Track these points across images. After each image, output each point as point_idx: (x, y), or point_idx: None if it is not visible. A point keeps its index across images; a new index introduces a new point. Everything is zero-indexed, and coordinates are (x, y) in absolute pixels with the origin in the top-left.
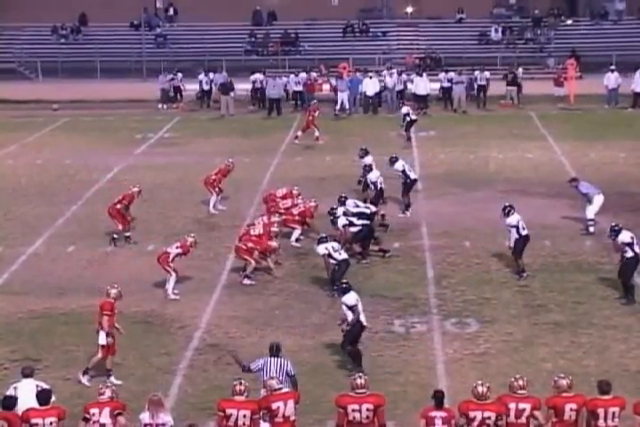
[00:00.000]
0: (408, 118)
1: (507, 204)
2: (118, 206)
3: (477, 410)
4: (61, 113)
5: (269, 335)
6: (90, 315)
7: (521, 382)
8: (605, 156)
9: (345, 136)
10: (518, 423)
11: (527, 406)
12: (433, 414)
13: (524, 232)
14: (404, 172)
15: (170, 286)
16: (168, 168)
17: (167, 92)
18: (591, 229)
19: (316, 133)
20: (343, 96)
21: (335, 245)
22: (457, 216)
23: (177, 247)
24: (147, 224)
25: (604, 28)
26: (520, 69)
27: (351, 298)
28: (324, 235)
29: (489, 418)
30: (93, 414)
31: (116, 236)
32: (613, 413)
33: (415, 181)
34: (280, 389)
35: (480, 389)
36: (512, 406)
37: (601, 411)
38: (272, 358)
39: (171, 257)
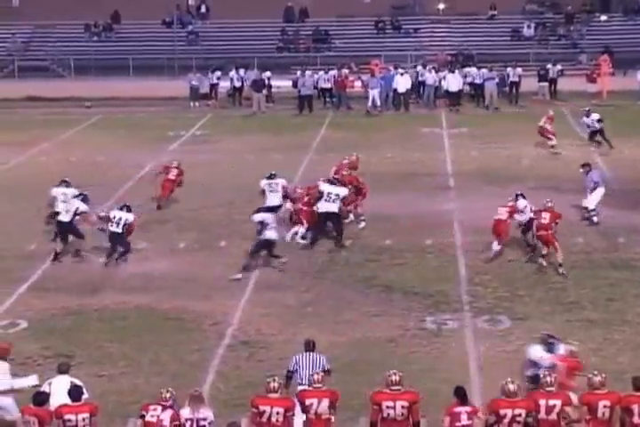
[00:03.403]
0: (597, 126)
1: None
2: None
3: (508, 408)
4: (94, 110)
5: (301, 332)
6: (123, 311)
7: (549, 379)
8: (638, 152)
9: (376, 133)
10: (549, 420)
11: (558, 403)
12: (458, 409)
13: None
14: None
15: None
16: (200, 165)
17: (197, 90)
18: (595, 218)
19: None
20: (374, 93)
21: (271, 222)
22: (489, 213)
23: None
24: (179, 221)
25: (637, 24)
26: (558, 66)
27: (257, 216)
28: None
29: (519, 415)
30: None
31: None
32: None
33: None
34: (320, 387)
35: (510, 386)
36: (542, 402)
37: (635, 407)
38: (305, 354)
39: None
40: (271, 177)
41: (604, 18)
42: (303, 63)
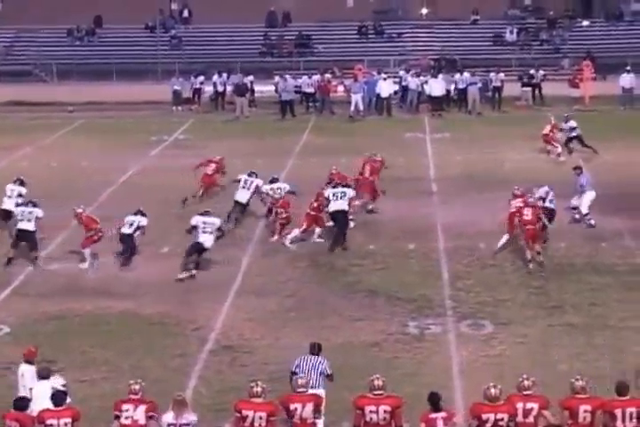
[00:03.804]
0: (574, 133)
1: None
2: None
3: (490, 412)
4: (77, 115)
5: (284, 337)
6: (105, 316)
7: (526, 383)
8: (621, 157)
9: (359, 138)
10: (526, 423)
11: (535, 406)
12: (433, 415)
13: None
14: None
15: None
16: (183, 170)
17: (179, 95)
18: (592, 222)
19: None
20: (357, 98)
21: (208, 226)
22: (472, 218)
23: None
24: (162, 226)
25: (619, 29)
26: (541, 72)
27: (193, 220)
28: (208, 209)
29: (502, 420)
30: (127, 410)
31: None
32: (631, 414)
33: None
34: (304, 391)
35: (492, 391)
36: (519, 405)
37: (618, 412)
38: (308, 356)
39: None
40: (250, 175)
41: (585, 23)
42: (286, 68)
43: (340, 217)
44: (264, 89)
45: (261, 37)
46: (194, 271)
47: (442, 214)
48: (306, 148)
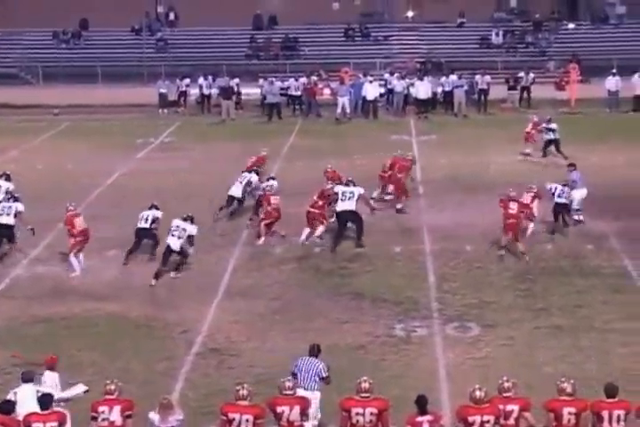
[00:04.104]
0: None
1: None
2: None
3: (476, 414)
4: (62, 118)
5: (270, 340)
6: (92, 319)
7: (506, 385)
8: (606, 159)
9: (346, 141)
10: (507, 425)
11: (515, 408)
12: (419, 419)
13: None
14: None
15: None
16: (169, 172)
17: (165, 97)
18: (580, 217)
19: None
20: (344, 101)
21: (177, 230)
22: (458, 220)
23: None
24: None
25: (604, 32)
26: (531, 74)
27: (174, 222)
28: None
29: (488, 422)
30: (102, 412)
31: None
32: (618, 416)
33: None
34: (292, 393)
35: (478, 393)
36: (500, 407)
37: (605, 414)
38: (307, 358)
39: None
40: (250, 171)
41: (571, 26)
42: (272, 71)
43: (351, 216)
44: (250, 92)
45: (247, 40)
46: (172, 274)
47: (428, 217)
48: (292, 150)
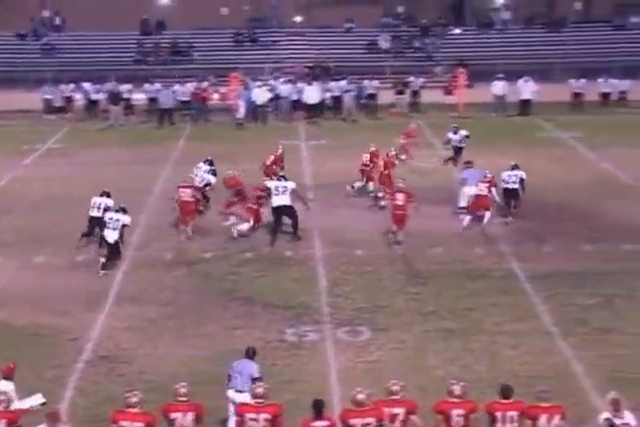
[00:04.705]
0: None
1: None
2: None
3: (357, 417)
4: None
5: (162, 346)
6: None
7: (394, 388)
8: (494, 163)
9: (235, 146)
10: None
11: (401, 411)
12: (315, 424)
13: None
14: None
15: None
16: (57, 179)
17: (51, 103)
18: (462, 216)
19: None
20: (243, 105)
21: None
22: (349, 225)
23: None
24: (35, 235)
25: (490, 37)
26: (421, 79)
27: (107, 214)
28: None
29: (369, 424)
30: None
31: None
32: (512, 417)
33: None
34: (186, 400)
35: (359, 396)
36: (386, 410)
37: (499, 414)
38: (242, 360)
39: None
40: (206, 162)
41: (457, 31)
42: (161, 76)
43: (287, 210)
44: (139, 97)
45: (135, 45)
46: (100, 273)
47: (318, 221)
48: (182, 156)
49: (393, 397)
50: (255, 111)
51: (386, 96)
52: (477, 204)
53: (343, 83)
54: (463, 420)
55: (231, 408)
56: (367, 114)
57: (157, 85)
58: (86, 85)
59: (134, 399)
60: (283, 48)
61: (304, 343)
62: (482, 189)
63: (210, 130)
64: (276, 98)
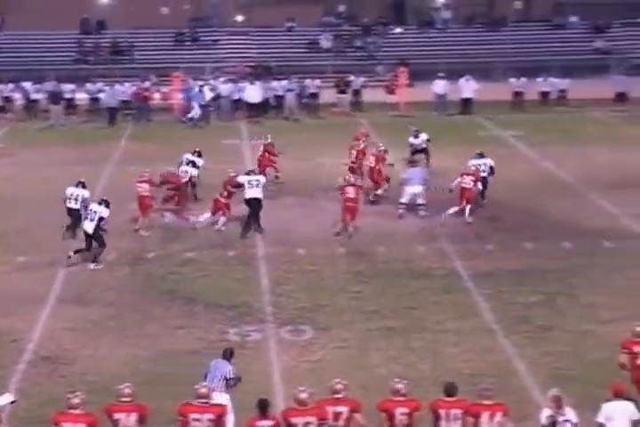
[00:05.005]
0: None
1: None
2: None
3: (299, 416)
4: None
5: (104, 346)
6: None
7: (338, 387)
8: (436, 161)
9: (177, 145)
10: (337, 426)
11: (344, 409)
12: (260, 423)
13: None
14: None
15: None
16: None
17: None
18: (400, 211)
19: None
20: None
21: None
22: (291, 223)
23: None
24: None
25: (431, 37)
26: (362, 78)
27: (92, 206)
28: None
29: (310, 423)
30: None
31: None
32: (455, 415)
33: None
34: (130, 400)
35: (301, 395)
36: (330, 409)
37: (443, 412)
38: (218, 360)
39: None
40: (194, 153)
41: (399, 30)
42: (102, 75)
43: (255, 204)
44: (82, 96)
45: (76, 44)
46: (91, 266)
47: (260, 220)
48: (123, 155)
49: (336, 395)
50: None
51: (328, 95)
52: (462, 196)
53: (285, 82)
54: (407, 418)
55: None
56: (309, 113)
57: (100, 85)
58: (26, 85)
59: (76, 400)
60: (224, 47)
61: (247, 343)
62: (466, 181)
63: (152, 129)
64: (218, 97)
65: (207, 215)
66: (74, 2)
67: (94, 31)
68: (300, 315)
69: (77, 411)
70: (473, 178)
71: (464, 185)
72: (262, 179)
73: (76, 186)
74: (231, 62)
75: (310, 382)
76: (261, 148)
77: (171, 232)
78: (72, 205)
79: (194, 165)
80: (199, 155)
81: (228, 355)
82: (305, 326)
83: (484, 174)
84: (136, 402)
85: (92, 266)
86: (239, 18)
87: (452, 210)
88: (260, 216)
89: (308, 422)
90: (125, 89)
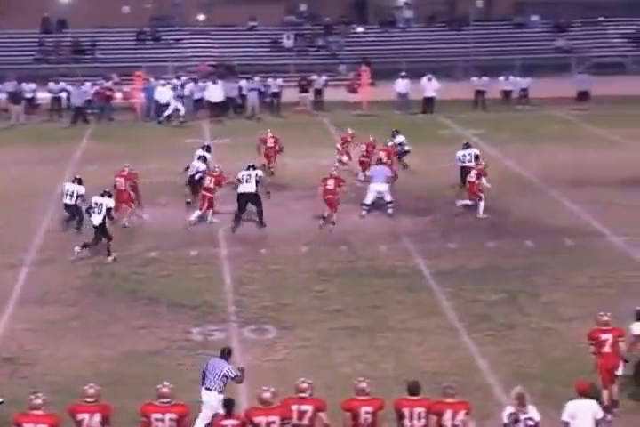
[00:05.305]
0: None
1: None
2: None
3: (262, 415)
4: None
5: (66, 347)
6: None
7: (302, 386)
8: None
9: (139, 144)
10: (301, 425)
11: (309, 408)
12: (225, 422)
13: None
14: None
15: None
16: None
17: None
18: (363, 212)
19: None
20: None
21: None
22: (253, 223)
23: None
24: None
25: (392, 36)
26: (324, 77)
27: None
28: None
29: (274, 423)
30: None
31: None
32: (419, 413)
33: None
34: (93, 401)
35: (265, 394)
36: (294, 407)
37: (406, 411)
38: (215, 359)
39: None
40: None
41: (360, 29)
42: (63, 74)
43: (252, 198)
44: (44, 96)
45: (36, 44)
46: (108, 259)
47: (220, 220)
48: (85, 155)
49: (301, 394)
50: (158, 110)
51: (290, 94)
52: (470, 191)
53: (245, 81)
54: (371, 417)
55: (202, 407)
56: (271, 112)
57: (63, 84)
58: None
59: (38, 401)
60: (186, 47)
61: (210, 343)
62: (471, 175)
63: (113, 129)
64: (179, 97)
65: (197, 213)
66: (34, 1)
67: (55, 30)
68: (264, 314)
69: (39, 412)
70: (476, 172)
71: (469, 179)
72: (257, 173)
73: (73, 182)
74: (193, 62)
75: (274, 381)
76: (272, 139)
77: (133, 232)
78: (67, 200)
79: (204, 160)
80: (208, 149)
81: (226, 354)
82: (268, 325)
83: (470, 164)
84: (100, 403)
85: (109, 259)
86: (201, 17)
87: (463, 202)
88: (263, 213)
89: (271, 422)
90: (87, 88)
